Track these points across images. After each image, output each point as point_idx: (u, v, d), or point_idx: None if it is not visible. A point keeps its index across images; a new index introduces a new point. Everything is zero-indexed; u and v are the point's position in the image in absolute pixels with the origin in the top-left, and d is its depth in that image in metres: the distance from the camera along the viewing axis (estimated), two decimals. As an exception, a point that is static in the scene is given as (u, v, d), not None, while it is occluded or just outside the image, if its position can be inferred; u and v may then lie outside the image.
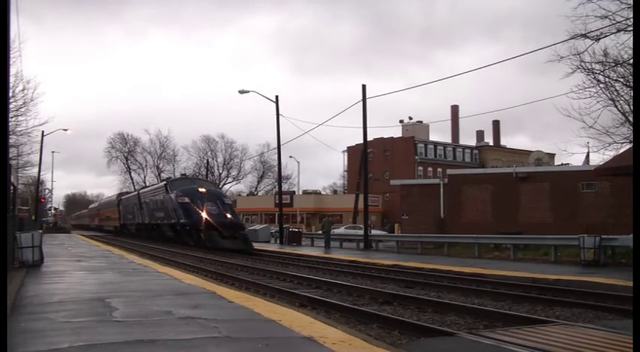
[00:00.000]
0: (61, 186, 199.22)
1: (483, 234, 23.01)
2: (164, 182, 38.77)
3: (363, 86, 29.22)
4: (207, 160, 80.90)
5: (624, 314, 8.47)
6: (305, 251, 26.64)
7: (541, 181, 27.89)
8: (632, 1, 16.34)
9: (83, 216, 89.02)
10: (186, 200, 30.85)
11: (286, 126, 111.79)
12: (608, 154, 20.81)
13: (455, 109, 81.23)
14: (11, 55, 19.30)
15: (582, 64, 19.86)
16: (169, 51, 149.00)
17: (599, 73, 20.46)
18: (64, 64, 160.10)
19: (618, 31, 18.09)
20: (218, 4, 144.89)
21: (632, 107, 19.34)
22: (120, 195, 57.32)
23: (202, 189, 31.79)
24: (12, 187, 15.80)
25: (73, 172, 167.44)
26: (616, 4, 17.93)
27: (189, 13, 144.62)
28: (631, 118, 19.39)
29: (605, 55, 19.94)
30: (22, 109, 27.28)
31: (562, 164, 35.97)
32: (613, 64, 20.09)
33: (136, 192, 47.99)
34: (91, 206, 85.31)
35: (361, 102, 29.02)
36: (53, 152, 58.18)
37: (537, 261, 19.66)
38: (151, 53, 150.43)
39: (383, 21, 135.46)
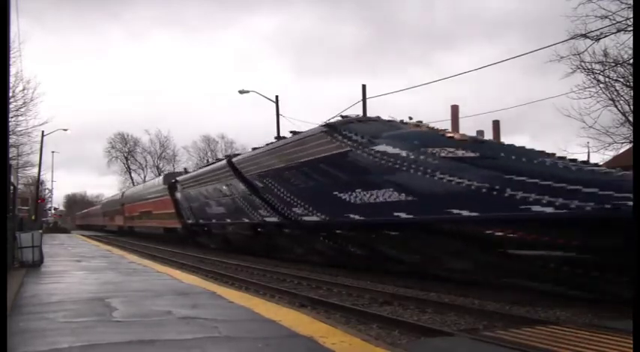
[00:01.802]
0: (61, 186, 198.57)
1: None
2: (323, 129, 16.30)
3: (363, 86, 29.14)
4: (207, 160, 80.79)
5: (624, 314, 8.45)
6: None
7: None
8: (632, 1, 16.35)
9: (93, 214, 76.73)
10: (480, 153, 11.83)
11: (287, 126, 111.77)
12: (608, 154, 20.89)
13: (455, 109, 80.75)
14: (11, 55, 19.35)
15: (582, 64, 19.95)
16: (170, 52, 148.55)
17: (599, 73, 20.54)
18: (65, 64, 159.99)
19: (618, 31, 18.15)
20: (220, 5, 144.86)
21: (632, 107, 19.36)
22: (170, 175, 36.22)
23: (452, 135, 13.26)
24: (12, 187, 15.83)
25: (73, 172, 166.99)
26: (616, 4, 18.00)
27: (190, 14, 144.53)
28: (631, 118, 19.40)
29: (605, 55, 20.01)
30: (22, 109, 27.36)
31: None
32: (613, 64, 20.14)
33: (222, 164, 24.51)
34: (105, 200, 70.80)
35: (361, 103, 29.02)
36: (53, 152, 58.01)
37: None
38: (152, 54, 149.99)
39: (384, 22, 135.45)
